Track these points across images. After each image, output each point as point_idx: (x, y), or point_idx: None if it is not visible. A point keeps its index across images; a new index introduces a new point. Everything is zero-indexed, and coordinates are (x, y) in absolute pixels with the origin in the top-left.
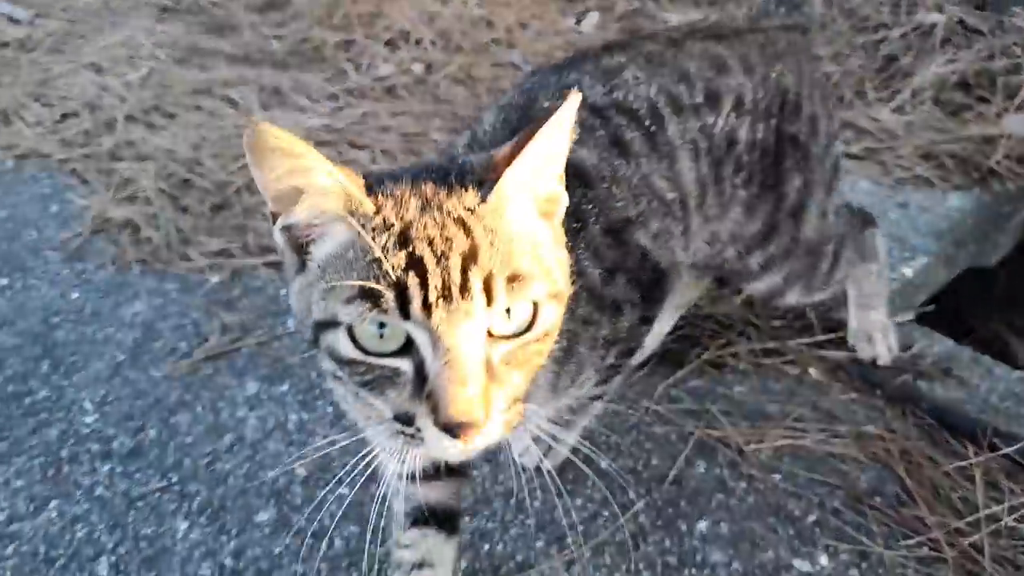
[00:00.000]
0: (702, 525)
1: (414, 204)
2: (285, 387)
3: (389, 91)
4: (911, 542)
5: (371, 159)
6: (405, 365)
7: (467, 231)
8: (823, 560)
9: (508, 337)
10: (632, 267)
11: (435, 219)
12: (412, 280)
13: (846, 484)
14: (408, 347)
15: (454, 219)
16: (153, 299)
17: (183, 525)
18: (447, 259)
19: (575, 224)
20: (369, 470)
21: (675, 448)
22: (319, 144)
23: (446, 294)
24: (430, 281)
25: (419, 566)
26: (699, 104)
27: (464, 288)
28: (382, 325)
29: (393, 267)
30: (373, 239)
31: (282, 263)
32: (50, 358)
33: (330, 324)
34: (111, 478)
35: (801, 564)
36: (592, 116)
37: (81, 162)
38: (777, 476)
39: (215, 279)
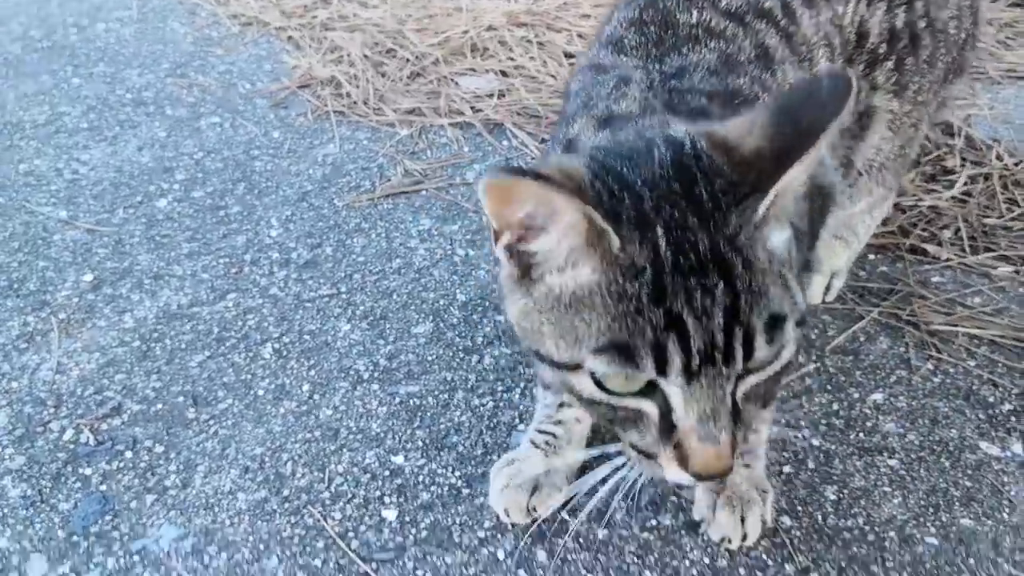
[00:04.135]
0: (876, 396)
1: (663, 238)
2: (456, 226)
3: None
4: None
5: (567, 40)
6: (649, 408)
7: (727, 276)
8: (1016, 447)
9: (751, 373)
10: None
11: (691, 262)
12: (672, 344)
13: None
14: (653, 389)
15: (713, 261)
16: (345, 144)
17: (345, 327)
18: (709, 319)
19: None
20: None
21: (856, 323)
22: (517, 26)
23: (707, 358)
24: (692, 345)
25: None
26: None
27: (728, 354)
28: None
29: (652, 326)
30: (624, 286)
31: (495, 259)
32: (246, 182)
33: (571, 367)
34: (286, 282)
35: (989, 447)
36: (733, 23)
37: (297, 30)
38: (971, 363)
39: (404, 132)
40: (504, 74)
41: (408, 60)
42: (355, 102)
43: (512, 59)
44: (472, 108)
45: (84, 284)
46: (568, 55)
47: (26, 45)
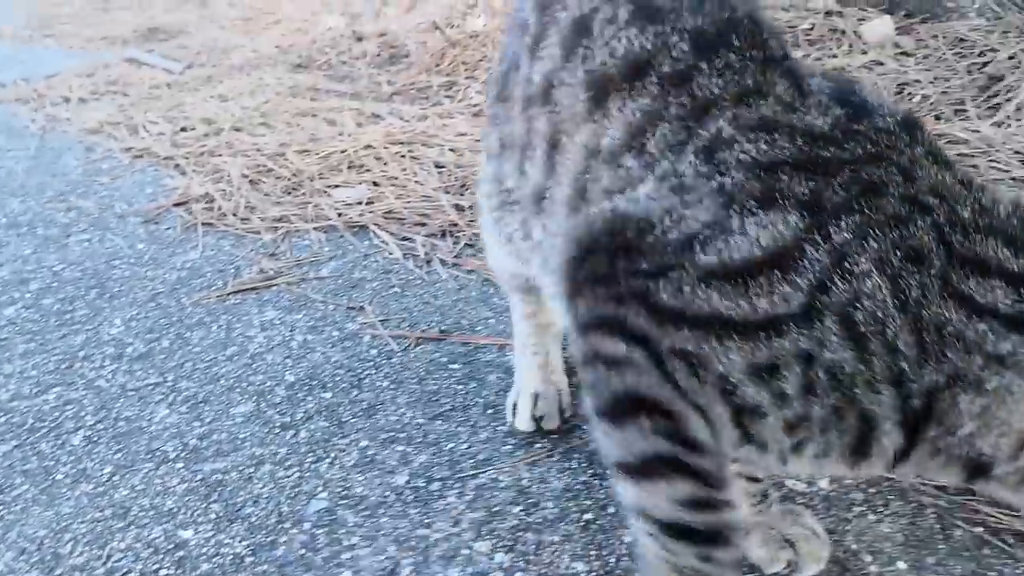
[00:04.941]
0: None
1: None
2: (300, 316)
3: (476, 114)
4: None
5: (439, 153)
6: None
7: None
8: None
9: None
10: None
11: None
12: None
13: None
14: None
15: None
16: (207, 251)
17: (163, 412)
18: None
19: None
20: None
21: None
22: (393, 143)
23: None
24: None
25: None
26: None
27: None
28: None
29: None
30: None
31: None
32: (100, 288)
33: None
34: (114, 374)
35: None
36: None
37: (184, 158)
38: None
39: (267, 237)
40: (376, 184)
41: (285, 177)
42: (224, 214)
43: (384, 172)
44: (339, 214)
45: None
46: (439, 165)
47: None
